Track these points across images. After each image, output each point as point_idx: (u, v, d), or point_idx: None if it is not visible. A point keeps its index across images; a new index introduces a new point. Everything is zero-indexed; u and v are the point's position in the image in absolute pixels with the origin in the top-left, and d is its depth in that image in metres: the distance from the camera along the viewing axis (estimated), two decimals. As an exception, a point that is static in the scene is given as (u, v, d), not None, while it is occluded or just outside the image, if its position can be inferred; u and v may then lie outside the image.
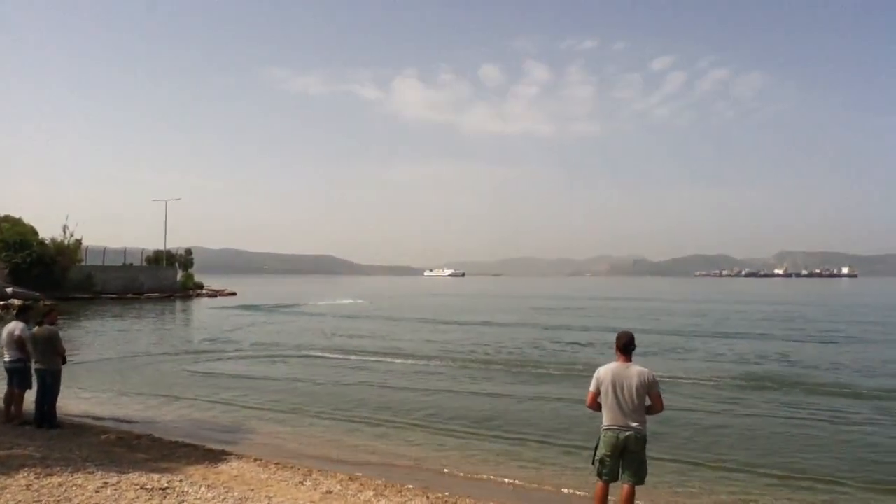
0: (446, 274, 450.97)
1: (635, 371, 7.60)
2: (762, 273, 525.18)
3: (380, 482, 9.95)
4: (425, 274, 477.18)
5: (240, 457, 11.10)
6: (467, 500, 9.17)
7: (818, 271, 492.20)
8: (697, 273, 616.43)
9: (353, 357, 25.78)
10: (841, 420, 15.16)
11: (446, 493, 9.44)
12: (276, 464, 10.72)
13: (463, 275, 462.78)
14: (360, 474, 10.46)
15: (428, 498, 9.18)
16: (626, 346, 7.74)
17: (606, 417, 7.64)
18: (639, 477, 7.59)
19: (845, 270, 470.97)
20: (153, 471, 9.64)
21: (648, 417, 7.69)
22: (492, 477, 10.85)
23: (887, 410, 16.20)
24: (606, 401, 7.63)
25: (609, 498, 7.80)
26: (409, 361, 24.61)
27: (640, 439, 7.55)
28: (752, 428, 14.41)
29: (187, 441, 12.32)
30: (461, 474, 10.98)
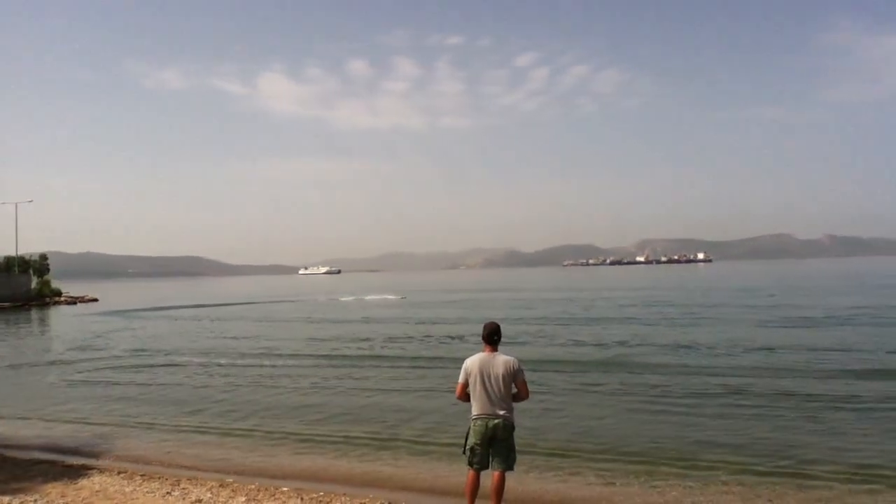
0: (322, 272, 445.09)
1: (501, 360, 7.81)
2: (626, 261, 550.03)
3: (252, 486, 9.76)
4: (300, 272, 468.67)
5: (102, 471, 10.58)
6: (343, 498, 9.15)
7: (676, 257, 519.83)
8: (566, 262, 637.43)
9: (223, 361, 25.06)
10: (692, 399, 16.16)
11: (321, 493, 9.38)
12: (142, 475, 10.28)
13: (339, 272, 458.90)
14: (232, 480, 10.22)
15: (302, 499, 9.09)
16: (490, 336, 7.94)
17: (475, 407, 7.81)
18: (508, 464, 7.81)
19: (701, 256, 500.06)
20: (3, 493, 9.04)
21: (523, 406, 7.91)
22: (367, 472, 10.88)
23: (735, 388, 17.39)
24: (474, 391, 7.79)
25: (480, 485, 7.96)
26: (283, 362, 24.29)
27: (508, 427, 7.77)
28: (614, 412, 15.11)
29: (45, 458, 11.63)
30: (336, 472, 10.94)
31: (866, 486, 9.60)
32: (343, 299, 75.66)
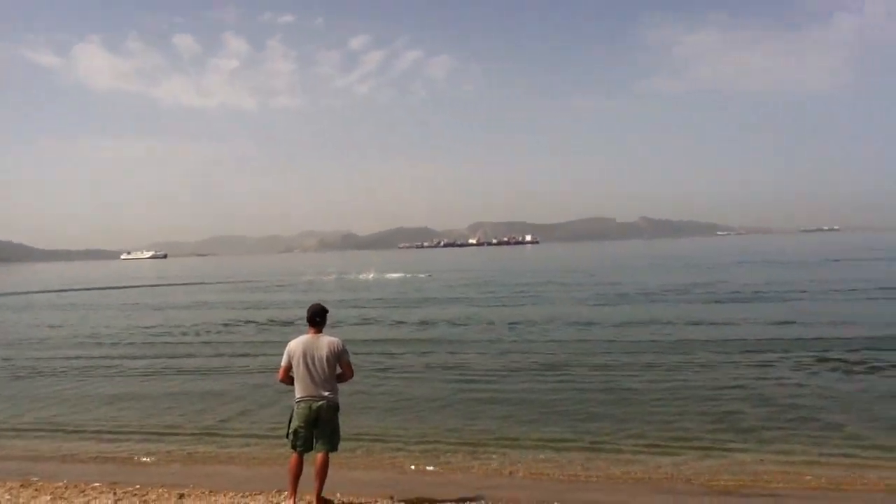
0: (146, 256, 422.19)
1: (325, 341, 7.77)
2: (459, 243, 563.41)
3: (60, 484, 9.14)
4: (122, 257, 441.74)
5: None
6: (160, 490, 8.77)
7: (506, 240, 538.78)
8: (401, 245, 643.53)
9: (30, 353, 23.20)
10: (507, 375, 16.93)
11: (137, 486, 8.95)
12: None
13: (165, 256, 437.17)
14: (36, 478, 9.51)
15: (115, 493, 8.63)
16: (313, 318, 7.90)
17: (298, 389, 7.74)
18: (332, 444, 7.81)
19: (528, 238, 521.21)
20: None
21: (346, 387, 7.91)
22: (187, 459, 10.50)
23: (551, 363, 18.36)
24: (298, 373, 7.72)
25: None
26: (105, 352, 22.81)
27: (333, 408, 7.77)
28: (433, 390, 15.48)
29: None
30: (152, 462, 10.48)
31: (666, 452, 10.50)
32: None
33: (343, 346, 7.88)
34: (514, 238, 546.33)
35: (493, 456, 10.33)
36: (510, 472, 9.62)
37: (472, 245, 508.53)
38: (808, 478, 9.03)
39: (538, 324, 26.30)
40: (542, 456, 10.28)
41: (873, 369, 15.71)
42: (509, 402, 13.72)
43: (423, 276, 69.71)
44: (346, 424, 8.63)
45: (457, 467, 9.93)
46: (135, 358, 21.29)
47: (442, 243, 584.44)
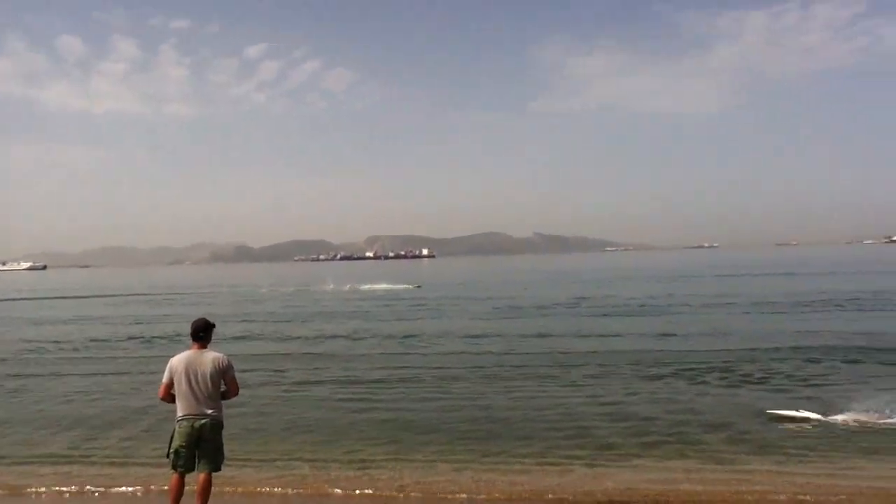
0: (24, 267, 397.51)
1: (209, 357, 7.56)
2: (356, 256, 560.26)
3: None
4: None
5: None
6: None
7: (403, 253, 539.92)
8: (297, 258, 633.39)
9: None
10: (404, 386, 16.97)
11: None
12: None
13: (44, 267, 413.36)
14: None
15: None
16: (196, 333, 7.67)
17: (181, 407, 7.48)
18: (216, 464, 7.59)
19: (425, 252, 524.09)
20: None
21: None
22: (65, 481, 9.96)
23: (444, 374, 18.50)
24: (180, 390, 7.46)
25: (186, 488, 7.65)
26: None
27: (216, 426, 7.55)
28: (316, 404, 15.36)
29: None
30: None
31: (555, 463, 10.76)
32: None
33: (228, 361, 7.69)
34: (411, 251, 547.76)
35: (384, 472, 10.28)
36: (400, 488, 9.61)
37: (369, 258, 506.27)
38: (677, 489, 9.44)
39: (432, 336, 26.57)
40: (433, 471, 10.31)
41: (744, 381, 16.59)
42: (401, 419, 13.70)
43: (408, 287, 66.97)
44: (231, 443, 8.42)
45: (346, 485, 9.82)
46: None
47: (339, 256, 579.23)
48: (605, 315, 33.61)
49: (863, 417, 12.36)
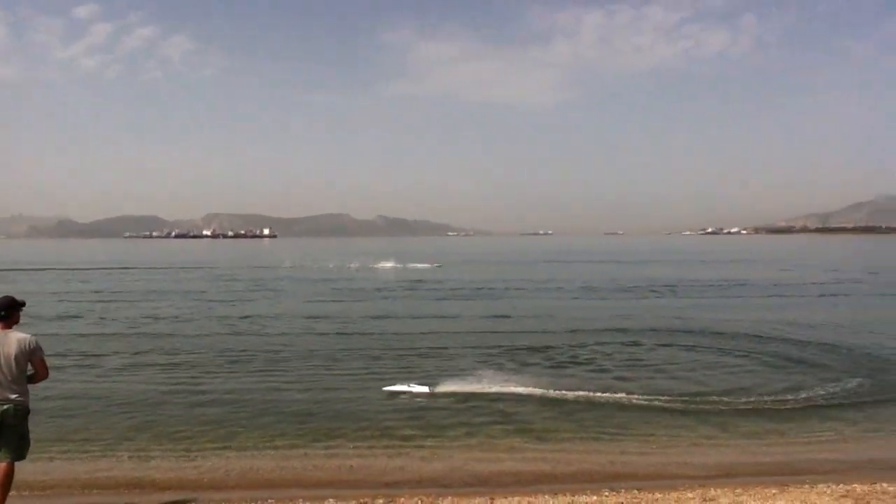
0: None
1: (15, 338, 6.95)
2: (192, 234, 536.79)
3: None
4: None
5: None
6: None
7: (243, 232, 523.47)
8: (127, 234, 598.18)
9: None
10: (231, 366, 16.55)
11: None
12: None
13: None
14: None
15: None
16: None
17: (-19, 392, 6.86)
18: (19, 453, 7.00)
19: (267, 232, 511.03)
20: None
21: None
22: None
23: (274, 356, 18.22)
24: (-20, 373, 6.84)
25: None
26: None
27: (21, 412, 6.97)
28: (131, 386, 14.74)
29: None
30: None
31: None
32: None
33: (36, 343, 7.10)
34: (251, 231, 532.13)
35: (209, 457, 9.98)
36: (225, 472, 9.36)
37: (206, 237, 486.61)
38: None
39: (265, 318, 26.13)
40: (257, 455, 10.13)
41: (570, 362, 17.55)
42: (224, 401, 13.36)
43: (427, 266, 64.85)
44: (38, 430, 7.84)
45: (169, 469, 9.44)
46: None
47: (173, 234, 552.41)
48: (443, 298, 34.28)
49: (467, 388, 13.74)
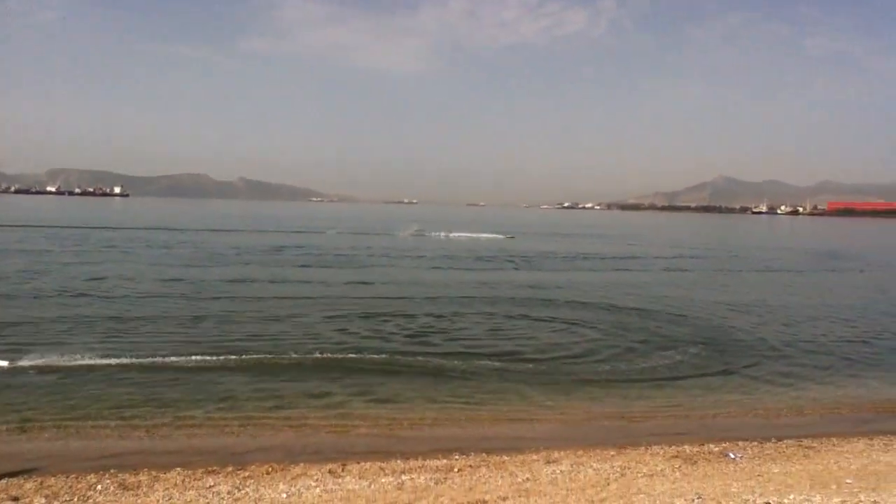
0: None
1: None
2: (34, 190, 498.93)
3: None
4: None
5: None
6: None
7: (92, 190, 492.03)
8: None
9: None
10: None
11: None
12: None
13: None
14: None
15: None
16: None
17: None
18: None
19: (118, 190, 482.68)
20: None
21: None
22: None
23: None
24: None
25: None
26: None
27: None
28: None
29: None
30: None
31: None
32: None
33: None
34: (100, 189, 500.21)
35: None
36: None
37: (50, 193, 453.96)
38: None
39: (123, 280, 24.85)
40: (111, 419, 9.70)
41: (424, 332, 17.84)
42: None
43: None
44: None
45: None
46: None
47: (13, 189, 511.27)
48: (305, 265, 33.76)
49: (52, 362, 13.21)
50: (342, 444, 9.49)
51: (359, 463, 8.62)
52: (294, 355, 14.19)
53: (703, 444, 9.76)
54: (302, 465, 8.56)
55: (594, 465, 8.73)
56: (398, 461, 8.75)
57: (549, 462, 8.78)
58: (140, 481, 7.91)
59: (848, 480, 8.09)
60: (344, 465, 8.54)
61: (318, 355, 14.26)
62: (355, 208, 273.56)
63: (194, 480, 7.97)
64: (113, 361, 13.15)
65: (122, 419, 10.12)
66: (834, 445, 9.89)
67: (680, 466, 8.73)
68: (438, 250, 46.84)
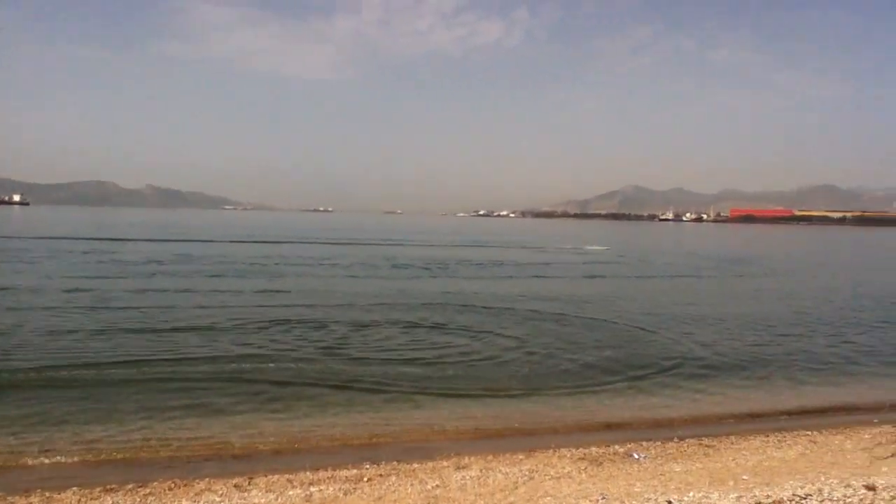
0: None
1: None
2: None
3: None
4: None
5: None
6: None
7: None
8: None
9: None
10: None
11: None
12: None
13: None
14: None
15: None
16: None
17: None
18: None
19: (17, 198, 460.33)
20: None
21: None
22: None
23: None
24: None
25: None
26: None
27: None
28: None
29: None
30: None
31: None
32: None
33: None
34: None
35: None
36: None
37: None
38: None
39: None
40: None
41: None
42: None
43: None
44: None
45: None
46: None
47: None
48: (216, 275, 32.95)
49: None
50: (249, 458, 9.30)
51: (266, 476, 8.45)
52: (200, 367, 13.84)
53: (609, 446, 10.00)
54: (206, 480, 8.33)
55: (503, 469, 8.82)
56: (307, 473, 8.62)
57: (459, 468, 8.82)
58: (31, 503, 7.56)
59: (744, 477, 8.45)
60: (251, 478, 8.35)
61: (225, 367, 13.93)
62: (270, 217, 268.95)
63: (91, 500, 7.66)
64: (4, 377, 12.52)
65: (14, 437, 9.65)
66: (732, 444, 10.29)
67: (586, 468, 8.91)
68: (354, 258, 46.55)
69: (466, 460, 9.15)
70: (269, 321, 19.48)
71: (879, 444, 10.13)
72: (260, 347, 16.06)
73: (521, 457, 9.41)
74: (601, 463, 9.18)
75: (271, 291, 26.53)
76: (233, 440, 9.93)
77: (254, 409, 11.30)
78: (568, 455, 9.55)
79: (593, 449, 9.85)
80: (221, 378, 13.16)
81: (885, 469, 8.65)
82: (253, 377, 13.27)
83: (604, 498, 7.46)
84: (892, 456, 9.42)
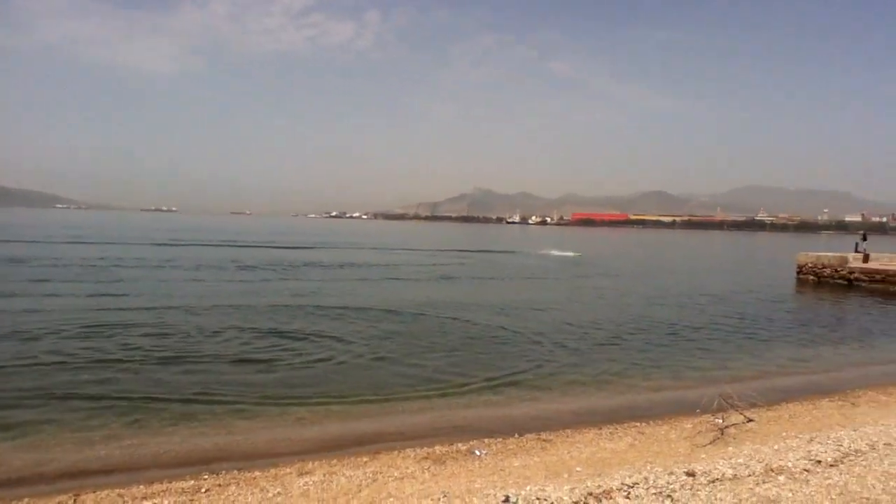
0: None
1: None
2: None
3: None
4: None
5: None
6: None
7: None
8: None
9: None
10: None
11: None
12: None
13: None
14: None
15: None
16: None
17: None
18: None
19: None
20: None
21: None
22: None
23: None
24: None
25: None
26: None
27: None
28: None
29: None
30: None
31: None
32: None
33: None
34: None
35: None
36: None
37: None
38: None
39: None
40: None
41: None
42: None
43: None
44: None
45: None
46: None
47: None
48: (45, 279, 30.65)
49: None
50: (76, 474, 8.72)
51: (94, 492, 7.98)
52: (18, 378, 12.86)
53: (452, 444, 10.19)
54: (26, 499, 7.76)
55: (347, 472, 8.79)
56: (140, 486, 8.21)
57: (301, 474, 8.71)
58: None
59: (578, 469, 8.87)
60: (77, 495, 7.86)
61: (48, 381, 12.98)
62: (106, 216, 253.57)
63: None
64: None
65: None
66: (567, 437, 10.78)
67: (430, 467, 9.05)
68: (196, 260, 44.78)
69: (310, 466, 9.04)
70: (96, 329, 18.27)
71: (699, 432, 10.94)
72: (85, 358, 15.05)
73: (365, 459, 9.41)
74: (444, 461, 9.34)
75: (103, 295, 24.96)
76: (57, 457, 9.28)
77: (82, 423, 10.60)
78: (412, 455, 9.64)
79: (437, 448, 10.01)
80: (38, 389, 12.25)
81: (703, 456, 9.33)
82: (80, 391, 12.41)
83: (445, 496, 7.60)
84: (711, 443, 10.19)
